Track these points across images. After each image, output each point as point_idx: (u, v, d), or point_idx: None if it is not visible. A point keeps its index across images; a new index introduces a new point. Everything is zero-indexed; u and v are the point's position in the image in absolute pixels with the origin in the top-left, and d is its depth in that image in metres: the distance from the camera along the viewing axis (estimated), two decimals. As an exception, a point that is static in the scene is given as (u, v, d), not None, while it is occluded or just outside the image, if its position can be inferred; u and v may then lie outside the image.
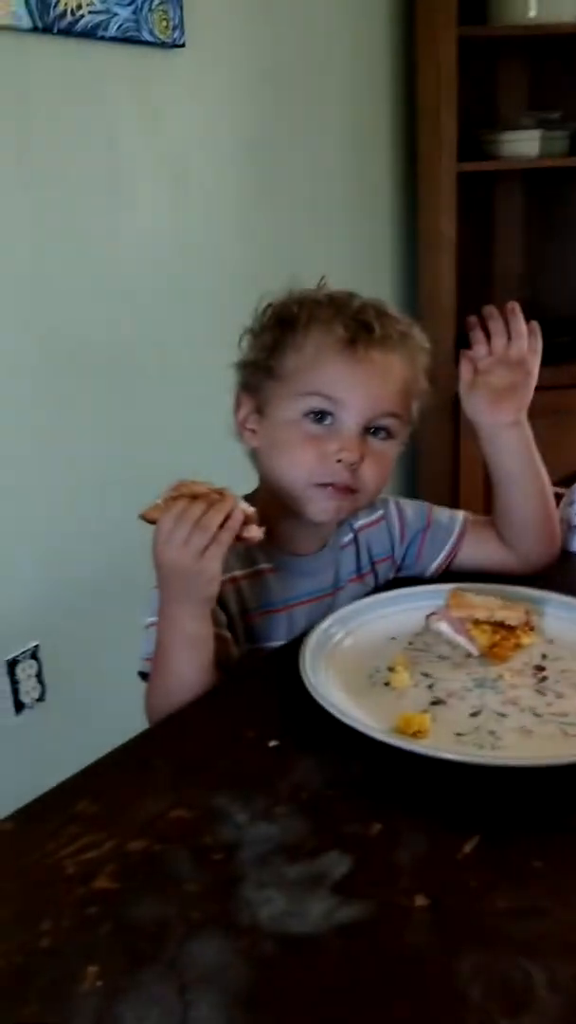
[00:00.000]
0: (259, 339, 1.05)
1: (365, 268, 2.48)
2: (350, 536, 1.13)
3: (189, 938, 0.62)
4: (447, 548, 1.14)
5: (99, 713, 1.40)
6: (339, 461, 0.98)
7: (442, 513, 1.17)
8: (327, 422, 1.00)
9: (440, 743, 0.81)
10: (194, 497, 0.90)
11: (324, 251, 2.29)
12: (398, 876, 0.68)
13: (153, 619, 1.00)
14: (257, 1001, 0.58)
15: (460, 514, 1.17)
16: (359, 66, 2.35)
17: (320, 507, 1.01)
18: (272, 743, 0.84)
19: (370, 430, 1.00)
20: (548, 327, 3.11)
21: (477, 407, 1.09)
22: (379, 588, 1.12)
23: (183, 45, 1.81)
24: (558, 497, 1.25)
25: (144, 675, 1.01)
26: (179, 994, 0.59)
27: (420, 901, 0.65)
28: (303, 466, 0.99)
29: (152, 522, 0.92)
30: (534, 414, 2.74)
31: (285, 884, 0.67)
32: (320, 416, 0.99)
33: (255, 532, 0.91)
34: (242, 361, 1.06)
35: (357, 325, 0.99)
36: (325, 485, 0.99)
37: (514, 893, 0.66)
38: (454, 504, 2.72)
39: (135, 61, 1.75)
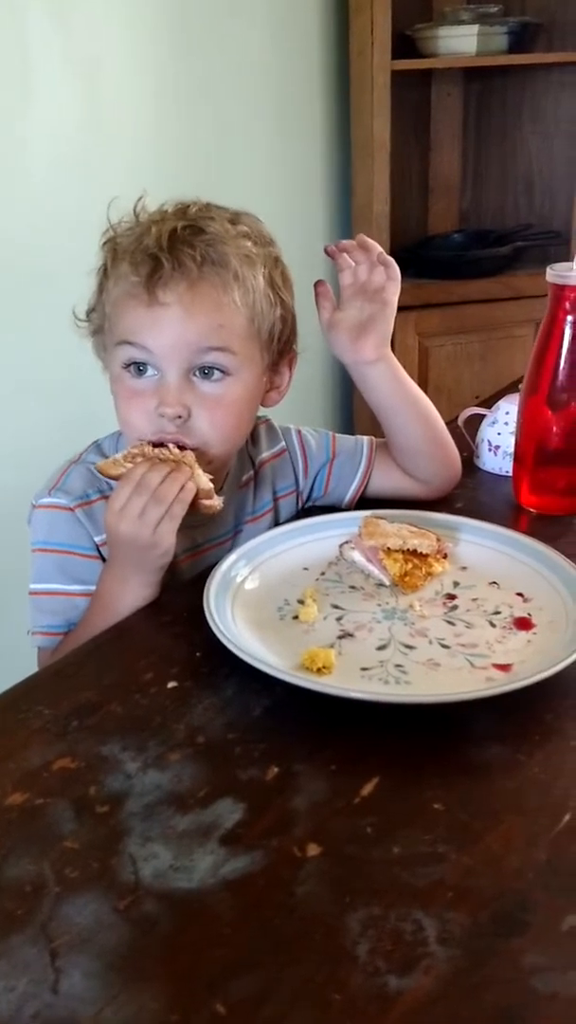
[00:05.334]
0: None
1: (296, 175, 2.36)
2: (251, 473, 1.06)
3: (65, 899, 0.59)
4: (358, 477, 1.09)
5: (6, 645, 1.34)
6: (162, 416, 0.90)
7: (346, 441, 1.11)
8: (150, 373, 0.91)
9: (345, 679, 0.77)
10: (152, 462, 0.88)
11: (250, 156, 2.17)
12: (292, 824, 0.64)
13: (40, 586, 0.96)
14: (135, 966, 0.55)
15: (364, 440, 1.11)
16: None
17: None
18: (171, 685, 0.79)
19: (203, 371, 0.90)
20: (486, 238, 3.02)
21: (340, 345, 1.02)
22: (293, 518, 1.07)
23: None
24: (480, 418, 1.21)
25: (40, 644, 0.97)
26: (51, 960, 0.55)
27: (312, 851, 0.62)
28: (132, 426, 0.92)
29: (108, 476, 0.90)
30: (468, 328, 2.68)
31: (172, 837, 0.63)
32: (141, 367, 0.90)
33: (215, 502, 0.89)
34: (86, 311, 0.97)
35: (148, 261, 0.87)
36: (159, 444, 0.90)
37: (411, 838, 0.63)
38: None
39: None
